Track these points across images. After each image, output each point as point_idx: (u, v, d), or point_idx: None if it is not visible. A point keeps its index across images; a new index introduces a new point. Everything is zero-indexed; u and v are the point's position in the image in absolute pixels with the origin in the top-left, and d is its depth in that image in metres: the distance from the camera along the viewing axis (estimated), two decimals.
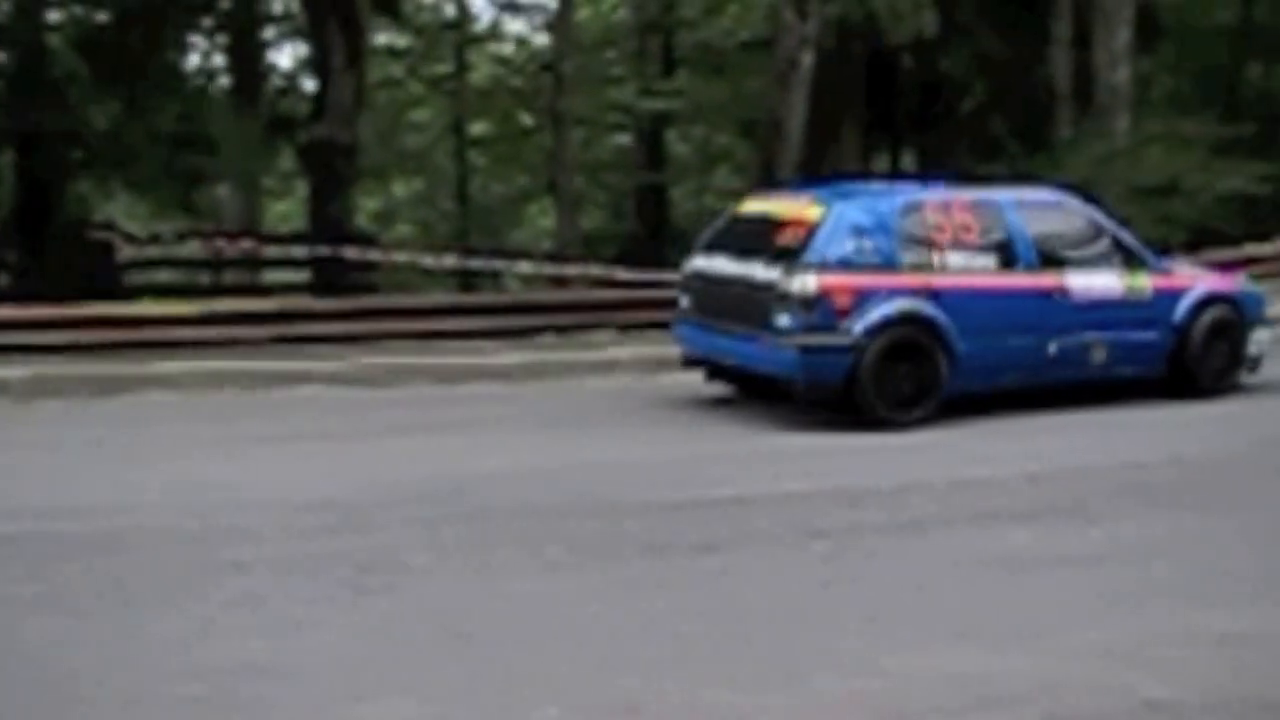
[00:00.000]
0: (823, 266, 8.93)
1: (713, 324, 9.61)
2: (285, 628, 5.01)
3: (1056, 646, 4.87)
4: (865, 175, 10.95)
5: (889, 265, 9.12)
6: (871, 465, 7.96)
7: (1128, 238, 10.20)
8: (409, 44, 26.40)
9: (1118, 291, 9.84)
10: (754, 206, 10.07)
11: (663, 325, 13.13)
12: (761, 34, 19.60)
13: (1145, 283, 9.98)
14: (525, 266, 16.51)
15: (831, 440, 8.73)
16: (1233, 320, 10.22)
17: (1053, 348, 9.55)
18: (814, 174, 21.00)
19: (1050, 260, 9.66)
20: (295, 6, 22.54)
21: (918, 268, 9.20)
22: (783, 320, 8.94)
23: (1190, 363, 10.02)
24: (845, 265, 9.00)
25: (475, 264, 16.52)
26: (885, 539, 6.33)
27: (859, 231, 9.13)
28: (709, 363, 9.92)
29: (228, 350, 11.71)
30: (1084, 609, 5.30)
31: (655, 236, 25.01)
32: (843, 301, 8.92)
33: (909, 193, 9.85)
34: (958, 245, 9.36)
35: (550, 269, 15.61)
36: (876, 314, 8.97)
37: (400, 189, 29.36)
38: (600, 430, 9.21)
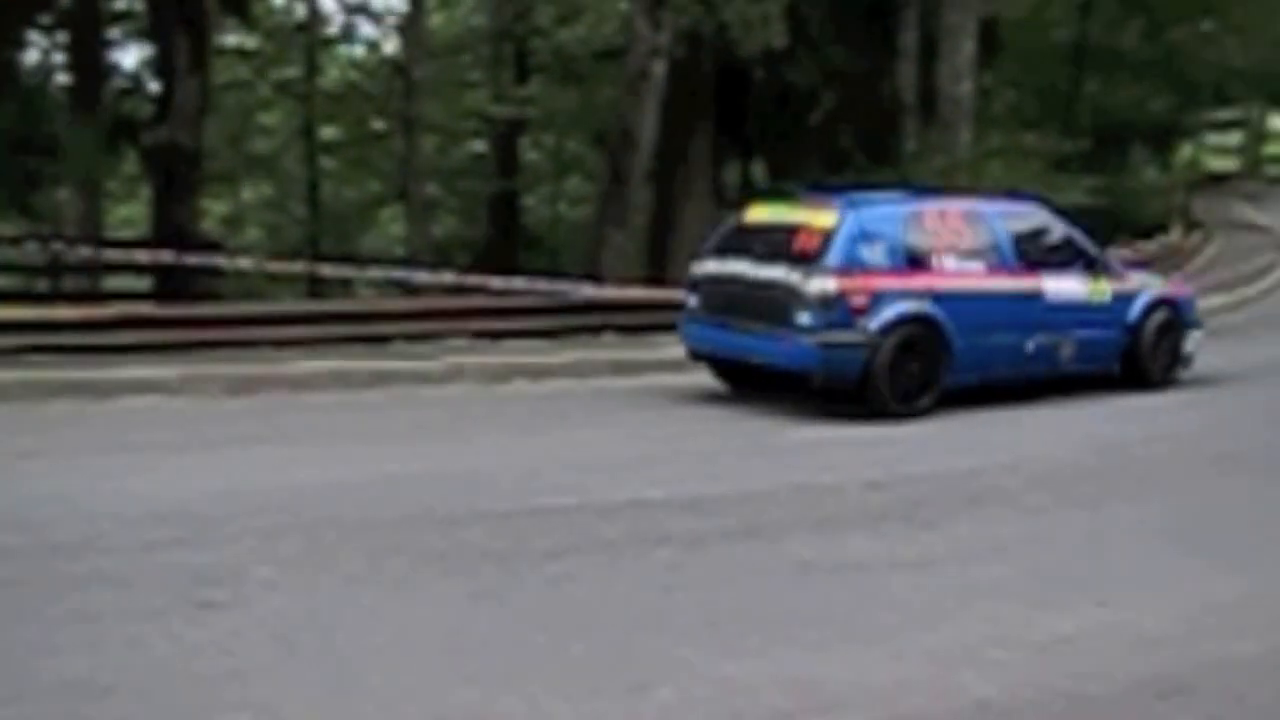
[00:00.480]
0: (840, 269, 9.72)
1: (728, 322, 10.34)
2: (122, 644, 4.89)
3: (892, 650, 4.99)
4: (870, 186, 11.96)
5: (896, 268, 9.96)
6: (734, 472, 8.04)
7: (1090, 246, 11.28)
8: (258, 46, 25.95)
9: (1082, 295, 10.99)
10: (762, 213, 10.79)
11: (516, 333, 13.15)
12: (614, 43, 19.69)
13: (1105, 287, 11.14)
14: (375, 273, 16.31)
15: (712, 445, 8.86)
16: (1174, 322, 11.54)
17: (1030, 345, 10.62)
18: (666, 183, 21.18)
19: (1028, 265, 10.69)
20: (139, 5, 22.01)
21: (920, 271, 10.06)
22: (804, 319, 9.67)
23: (1142, 360, 11.28)
24: (860, 268, 9.79)
25: (325, 270, 16.27)
26: (730, 545, 6.41)
27: (871, 237, 9.93)
28: (717, 358, 10.75)
29: (69, 358, 11.37)
30: (921, 612, 5.44)
31: (508, 243, 24.97)
32: (859, 302, 9.71)
33: (911, 202, 10.73)
34: (952, 251, 10.31)
35: (401, 275, 15.44)
36: (889, 313, 9.79)
37: (250, 193, 28.84)
38: (446, 440, 9.16)
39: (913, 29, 22.51)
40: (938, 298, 10.01)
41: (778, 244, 10.07)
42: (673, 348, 12.74)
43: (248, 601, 5.40)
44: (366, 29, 26.86)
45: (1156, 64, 35.47)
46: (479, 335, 12.95)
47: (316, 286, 20.14)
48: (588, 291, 13.65)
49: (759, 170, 25.92)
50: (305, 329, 12.72)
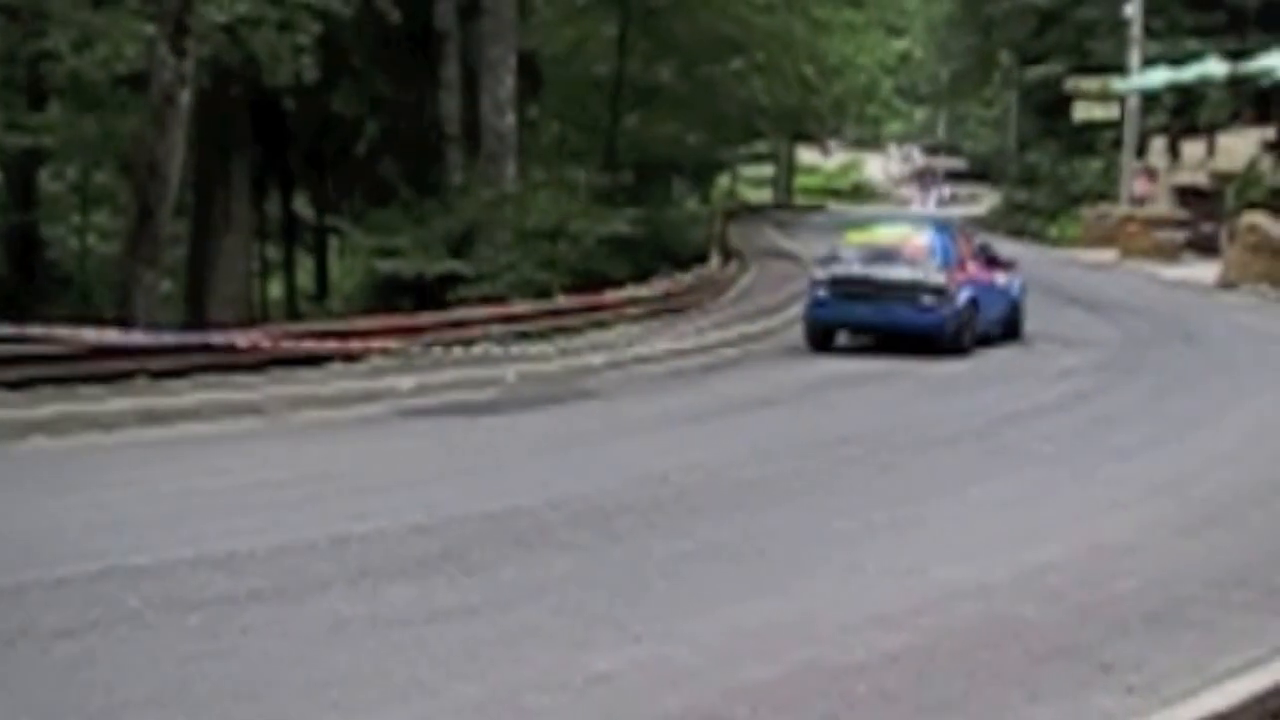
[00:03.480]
0: (945, 268, 15.96)
1: (861, 304, 15.90)
2: None
3: (431, 707, 4.83)
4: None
5: (958, 267, 16.24)
6: (272, 524, 7.60)
7: (999, 252, 18.64)
8: None
9: (1005, 282, 17.51)
10: (863, 237, 17.60)
11: (32, 382, 12.04)
12: (137, 68, 18.61)
13: (1011, 277, 17.71)
14: None
15: (238, 499, 8.33)
16: (1024, 297, 18.09)
17: (993, 314, 16.75)
18: (203, 217, 20.28)
19: (988, 265, 17.33)
20: None
21: (963, 269, 16.31)
22: (927, 300, 15.68)
23: (1017, 324, 17.54)
24: (948, 267, 16.06)
25: None
26: (263, 606, 6.05)
27: (947, 247, 16.57)
28: (848, 325, 16.37)
29: None
30: (459, 662, 5.30)
31: (29, 281, 23.18)
32: (952, 289, 15.81)
33: (950, 226, 19.34)
34: (967, 256, 16.82)
35: None
36: (965, 295, 16.02)
37: None
38: None
39: (454, 61, 22.61)
40: (972, 284, 16.23)
41: (893, 254, 16.34)
42: (208, 391, 12.15)
43: None
44: None
45: (691, 100, 37.34)
46: None
47: None
48: (112, 337, 12.75)
49: (302, 201, 25.31)
50: None
